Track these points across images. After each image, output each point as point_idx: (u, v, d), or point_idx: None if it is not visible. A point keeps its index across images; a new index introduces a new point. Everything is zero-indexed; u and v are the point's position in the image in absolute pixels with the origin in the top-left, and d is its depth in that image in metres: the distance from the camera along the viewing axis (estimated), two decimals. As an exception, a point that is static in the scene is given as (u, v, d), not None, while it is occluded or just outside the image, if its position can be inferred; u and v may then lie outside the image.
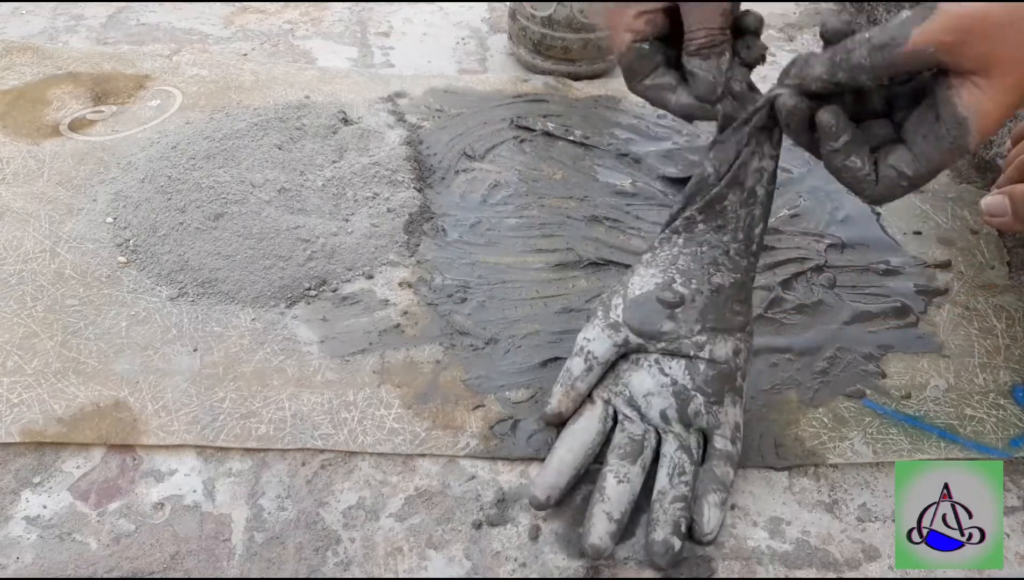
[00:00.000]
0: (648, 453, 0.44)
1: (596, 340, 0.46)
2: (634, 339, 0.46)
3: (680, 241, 0.46)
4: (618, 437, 0.44)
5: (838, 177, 0.39)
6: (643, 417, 0.45)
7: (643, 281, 0.47)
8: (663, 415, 0.44)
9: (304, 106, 0.70)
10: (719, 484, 0.43)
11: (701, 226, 0.45)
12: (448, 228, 0.60)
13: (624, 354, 0.46)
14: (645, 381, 0.45)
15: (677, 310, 0.45)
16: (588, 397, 0.46)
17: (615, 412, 0.46)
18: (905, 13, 0.35)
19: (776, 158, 0.44)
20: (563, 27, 0.76)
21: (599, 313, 0.47)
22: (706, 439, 0.44)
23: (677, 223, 0.46)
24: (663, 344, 0.45)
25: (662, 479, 0.42)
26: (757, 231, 0.45)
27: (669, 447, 0.44)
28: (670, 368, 0.45)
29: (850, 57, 0.36)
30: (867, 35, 0.36)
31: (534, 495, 0.42)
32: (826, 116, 0.38)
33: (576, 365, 0.46)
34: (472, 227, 0.61)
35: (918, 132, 0.37)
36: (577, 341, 0.47)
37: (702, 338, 0.45)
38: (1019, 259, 0.59)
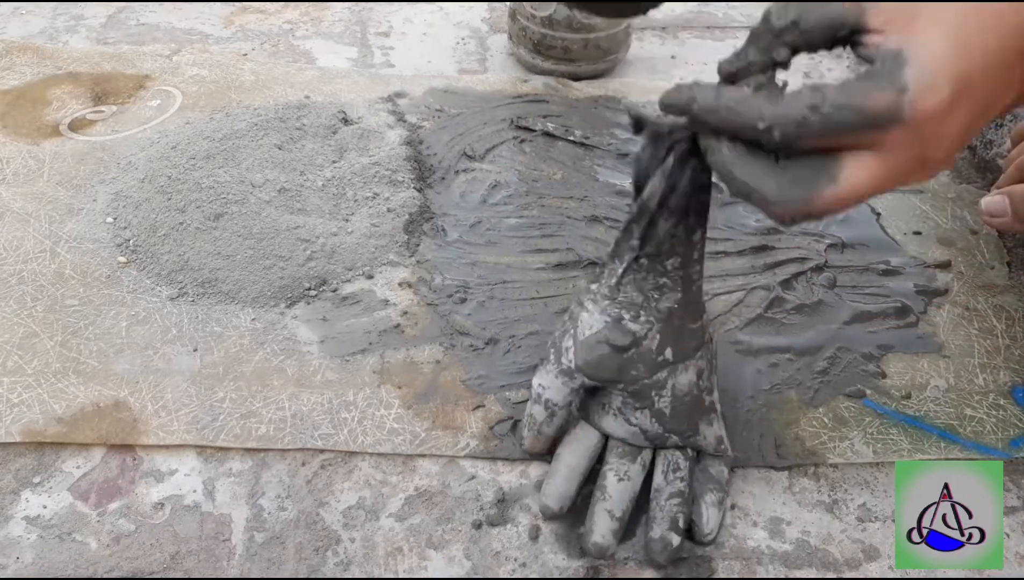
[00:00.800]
0: (647, 451, 0.43)
1: (551, 388, 0.43)
2: (591, 384, 0.43)
3: (620, 268, 0.43)
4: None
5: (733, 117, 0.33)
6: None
7: (592, 319, 0.43)
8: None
9: (304, 106, 0.70)
10: (715, 483, 0.43)
11: (636, 244, 0.42)
12: (448, 228, 0.60)
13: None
14: (616, 427, 0.44)
15: (631, 351, 0.42)
16: None
17: None
18: None
19: (710, 172, 0.39)
20: (563, 27, 0.76)
21: (551, 356, 0.44)
22: None
23: (621, 245, 0.43)
24: (620, 386, 0.43)
25: (658, 477, 0.43)
26: (696, 237, 0.42)
27: (663, 448, 0.44)
28: (636, 418, 0.43)
29: (768, 17, 0.33)
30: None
31: (547, 505, 0.42)
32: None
33: (538, 412, 0.44)
34: (472, 227, 0.61)
35: (850, 76, 0.32)
36: (533, 386, 0.44)
37: (662, 375, 0.43)
38: (1019, 259, 0.59)
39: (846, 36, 0.32)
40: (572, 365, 0.43)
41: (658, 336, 0.43)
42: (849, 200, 0.32)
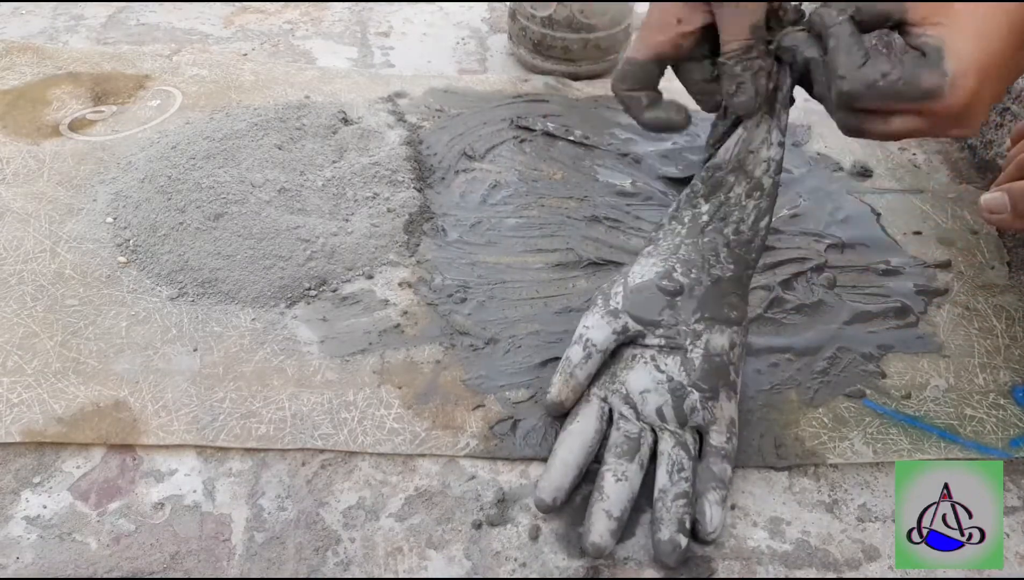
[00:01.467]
0: (645, 451, 0.44)
1: (595, 327, 0.46)
2: (633, 326, 0.46)
3: (683, 231, 0.48)
4: (615, 436, 0.44)
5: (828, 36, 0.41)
6: (639, 415, 0.45)
7: (643, 270, 0.48)
8: (659, 412, 0.44)
9: (304, 106, 0.70)
10: (718, 481, 0.43)
11: (705, 217, 0.47)
12: (448, 228, 0.60)
13: (622, 345, 0.46)
14: (641, 378, 0.45)
15: (676, 298, 0.46)
16: (584, 396, 0.46)
17: (611, 411, 0.45)
18: None
19: (783, 146, 0.46)
20: (563, 27, 0.76)
21: (599, 301, 0.48)
22: (701, 436, 0.44)
23: (682, 212, 0.48)
24: (661, 331, 0.46)
25: (662, 477, 0.42)
26: (762, 224, 0.47)
27: (666, 445, 0.44)
28: (665, 365, 0.45)
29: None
30: None
31: (540, 498, 0.42)
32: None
33: (575, 353, 0.46)
34: (472, 227, 0.61)
35: (906, 56, 0.40)
36: (577, 329, 0.47)
37: (699, 327, 0.46)
38: (1019, 259, 0.60)
39: (893, 26, 0.41)
40: (619, 306, 0.46)
41: (704, 292, 0.46)
42: (894, 137, 0.42)
